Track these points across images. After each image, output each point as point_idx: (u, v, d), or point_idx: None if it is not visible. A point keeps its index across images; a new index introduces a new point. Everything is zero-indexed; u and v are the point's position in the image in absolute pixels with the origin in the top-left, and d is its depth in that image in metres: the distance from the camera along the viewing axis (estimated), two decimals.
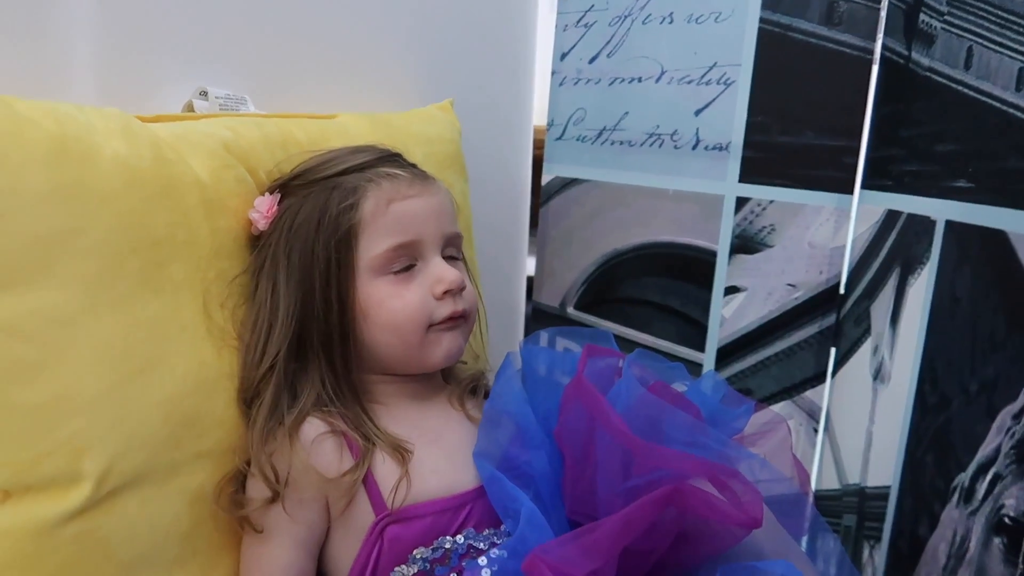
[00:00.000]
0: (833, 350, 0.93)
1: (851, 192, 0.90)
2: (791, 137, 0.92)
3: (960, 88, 0.78)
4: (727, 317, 0.97)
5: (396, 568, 0.63)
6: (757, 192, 0.94)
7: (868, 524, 0.88)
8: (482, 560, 0.59)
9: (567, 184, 1.11)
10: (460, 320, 0.70)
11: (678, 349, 1.02)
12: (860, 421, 0.89)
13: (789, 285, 0.94)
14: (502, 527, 0.64)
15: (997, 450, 0.71)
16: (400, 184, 0.69)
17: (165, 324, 0.63)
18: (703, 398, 0.69)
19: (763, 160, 0.94)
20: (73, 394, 0.57)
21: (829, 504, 0.93)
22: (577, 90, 1.09)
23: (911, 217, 0.83)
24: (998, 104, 0.74)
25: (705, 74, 0.97)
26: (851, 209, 0.90)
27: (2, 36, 0.70)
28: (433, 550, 0.64)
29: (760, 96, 0.93)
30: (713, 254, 0.97)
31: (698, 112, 0.98)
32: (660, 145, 1.01)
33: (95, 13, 0.75)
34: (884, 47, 0.86)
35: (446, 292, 0.68)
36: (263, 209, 0.70)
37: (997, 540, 0.70)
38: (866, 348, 0.89)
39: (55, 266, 0.58)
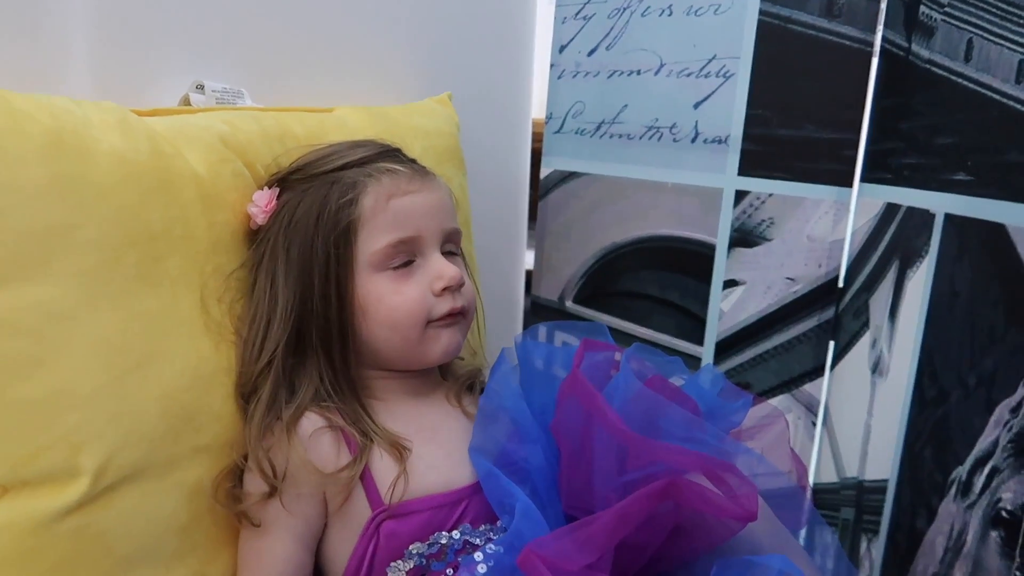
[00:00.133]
0: (832, 343, 0.93)
1: (850, 185, 0.90)
2: (790, 130, 0.91)
3: (960, 80, 0.77)
4: (726, 310, 0.97)
5: (392, 563, 0.63)
6: (756, 185, 0.94)
7: (866, 517, 0.88)
8: (478, 555, 0.59)
9: (566, 177, 1.11)
10: (459, 316, 0.70)
11: (677, 343, 1.02)
12: (858, 414, 0.89)
13: (788, 278, 0.94)
14: (498, 523, 0.64)
15: (995, 443, 0.71)
16: (400, 180, 0.69)
17: (163, 319, 0.63)
18: (701, 392, 0.69)
19: (762, 153, 0.93)
20: (70, 389, 0.58)
21: (827, 497, 0.93)
22: (576, 83, 1.09)
23: (910, 210, 0.83)
24: (998, 97, 0.73)
25: (704, 67, 0.96)
26: (850, 202, 0.90)
27: None
28: (429, 545, 0.64)
29: (759, 89, 0.92)
30: (712, 247, 0.97)
31: (697, 105, 0.97)
32: (659, 138, 1.01)
33: (91, 6, 0.75)
34: (884, 39, 0.86)
35: (445, 289, 0.68)
36: (262, 203, 0.70)
37: (994, 533, 0.70)
38: (865, 341, 0.89)
39: (52, 261, 0.58)
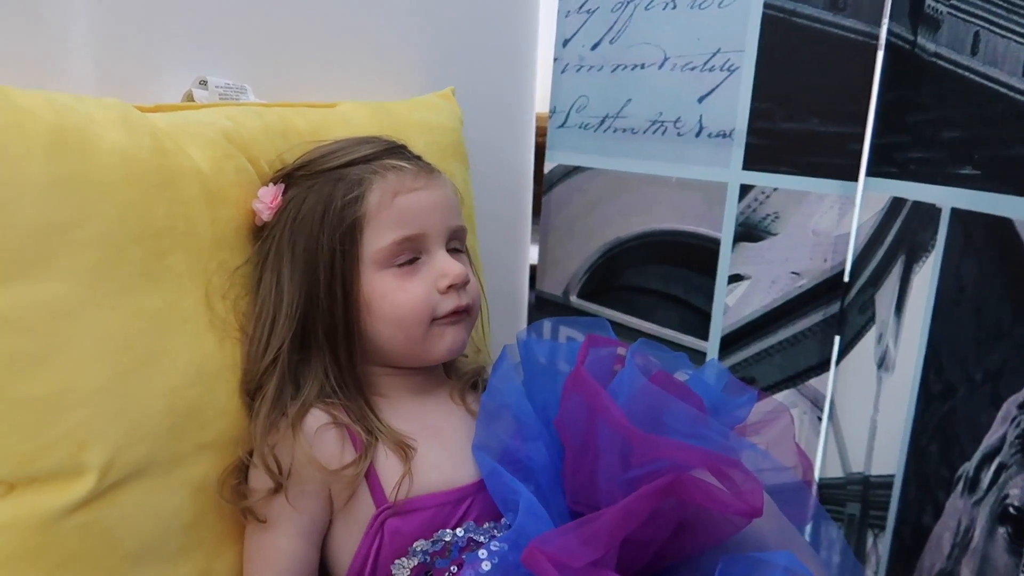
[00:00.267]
0: (837, 338, 0.93)
1: (856, 179, 0.89)
2: (795, 124, 0.91)
3: (966, 74, 0.77)
4: (731, 305, 0.97)
5: (397, 560, 0.63)
6: (761, 179, 0.93)
7: (872, 513, 0.88)
8: (482, 552, 0.60)
9: (570, 172, 1.11)
10: (464, 314, 0.70)
11: (682, 337, 1.02)
12: (864, 410, 0.89)
13: (793, 273, 0.93)
14: (503, 520, 0.65)
15: (1002, 439, 0.71)
16: (405, 177, 0.69)
17: (167, 315, 0.63)
18: (706, 387, 0.69)
19: (767, 147, 0.93)
20: (75, 386, 0.58)
21: (833, 492, 0.93)
22: (579, 77, 1.08)
23: (916, 204, 0.83)
24: (1005, 90, 0.73)
25: (708, 60, 0.96)
26: (856, 196, 0.90)
27: None
28: (433, 543, 0.64)
29: (764, 82, 0.92)
30: (717, 242, 0.97)
31: (701, 99, 0.97)
32: (663, 132, 1.01)
33: (93, 1, 0.75)
34: (889, 32, 0.85)
35: (450, 286, 0.68)
36: (267, 200, 0.70)
37: (1002, 530, 0.70)
38: (870, 336, 0.89)
39: (55, 258, 0.58)
